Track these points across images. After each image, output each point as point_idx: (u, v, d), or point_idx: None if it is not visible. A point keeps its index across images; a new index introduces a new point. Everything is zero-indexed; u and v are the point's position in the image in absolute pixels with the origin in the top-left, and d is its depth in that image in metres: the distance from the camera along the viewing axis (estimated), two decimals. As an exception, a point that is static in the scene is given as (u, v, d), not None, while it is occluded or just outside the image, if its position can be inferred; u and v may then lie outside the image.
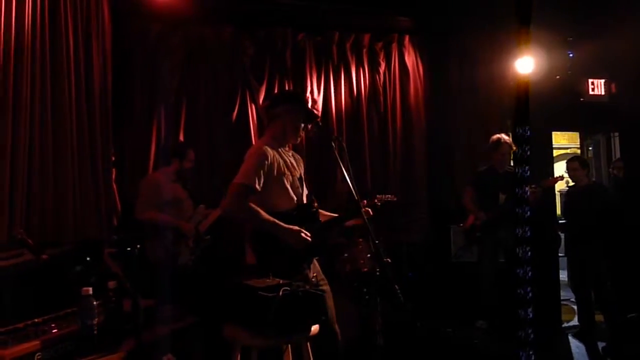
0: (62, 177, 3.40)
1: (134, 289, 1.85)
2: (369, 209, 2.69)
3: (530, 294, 2.27)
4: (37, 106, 3.30)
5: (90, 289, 1.83)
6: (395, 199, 3.16)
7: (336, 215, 2.73)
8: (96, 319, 1.84)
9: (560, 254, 5.04)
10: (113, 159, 3.87)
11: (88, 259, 2.63)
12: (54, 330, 1.85)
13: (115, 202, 3.80)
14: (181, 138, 4.18)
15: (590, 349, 3.92)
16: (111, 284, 1.95)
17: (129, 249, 1.85)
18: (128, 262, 2.09)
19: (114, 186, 3.82)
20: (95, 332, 1.83)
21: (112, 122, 3.77)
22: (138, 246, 1.86)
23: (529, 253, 2.28)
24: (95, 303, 1.89)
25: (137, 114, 4.09)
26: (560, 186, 7.14)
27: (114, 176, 3.84)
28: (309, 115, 2.66)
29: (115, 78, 3.84)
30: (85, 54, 3.59)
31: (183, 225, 3.47)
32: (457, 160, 5.19)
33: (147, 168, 4.00)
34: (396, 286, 2.14)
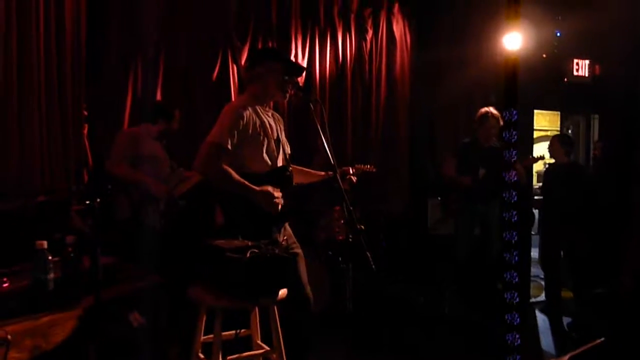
0: (28, 129, 3.24)
1: (93, 244, 1.77)
2: (347, 181, 2.61)
3: (516, 278, 2.26)
4: (0, 49, 3.11)
5: (45, 242, 1.74)
6: (374, 170, 3.07)
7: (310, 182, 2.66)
8: (51, 275, 1.76)
9: (532, 232, 5.10)
10: (86, 113, 3.70)
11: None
12: (4, 285, 1.76)
13: (87, 157, 3.66)
14: (158, 95, 4.01)
15: (555, 324, 4.02)
16: (69, 239, 1.86)
17: (87, 202, 1.76)
18: (93, 217, 1.99)
19: (86, 141, 3.67)
20: (50, 288, 1.75)
21: (84, 74, 3.57)
22: (98, 200, 1.76)
23: (516, 237, 2.26)
24: (52, 258, 1.80)
25: (113, 67, 3.89)
26: (538, 167, 7.20)
27: (86, 131, 3.69)
28: (293, 68, 2.51)
29: (89, 26, 3.62)
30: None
31: (153, 185, 3.26)
32: (439, 135, 5.16)
33: (122, 124, 3.84)
34: (368, 253, 2.10)
